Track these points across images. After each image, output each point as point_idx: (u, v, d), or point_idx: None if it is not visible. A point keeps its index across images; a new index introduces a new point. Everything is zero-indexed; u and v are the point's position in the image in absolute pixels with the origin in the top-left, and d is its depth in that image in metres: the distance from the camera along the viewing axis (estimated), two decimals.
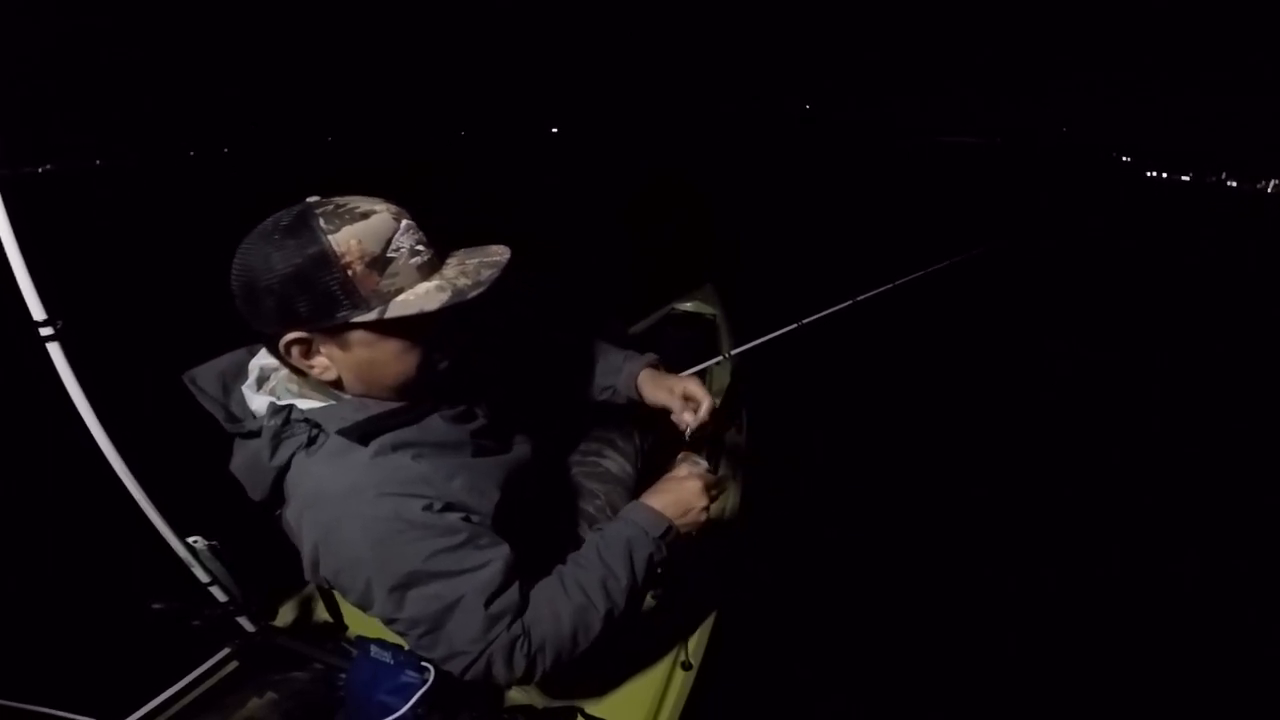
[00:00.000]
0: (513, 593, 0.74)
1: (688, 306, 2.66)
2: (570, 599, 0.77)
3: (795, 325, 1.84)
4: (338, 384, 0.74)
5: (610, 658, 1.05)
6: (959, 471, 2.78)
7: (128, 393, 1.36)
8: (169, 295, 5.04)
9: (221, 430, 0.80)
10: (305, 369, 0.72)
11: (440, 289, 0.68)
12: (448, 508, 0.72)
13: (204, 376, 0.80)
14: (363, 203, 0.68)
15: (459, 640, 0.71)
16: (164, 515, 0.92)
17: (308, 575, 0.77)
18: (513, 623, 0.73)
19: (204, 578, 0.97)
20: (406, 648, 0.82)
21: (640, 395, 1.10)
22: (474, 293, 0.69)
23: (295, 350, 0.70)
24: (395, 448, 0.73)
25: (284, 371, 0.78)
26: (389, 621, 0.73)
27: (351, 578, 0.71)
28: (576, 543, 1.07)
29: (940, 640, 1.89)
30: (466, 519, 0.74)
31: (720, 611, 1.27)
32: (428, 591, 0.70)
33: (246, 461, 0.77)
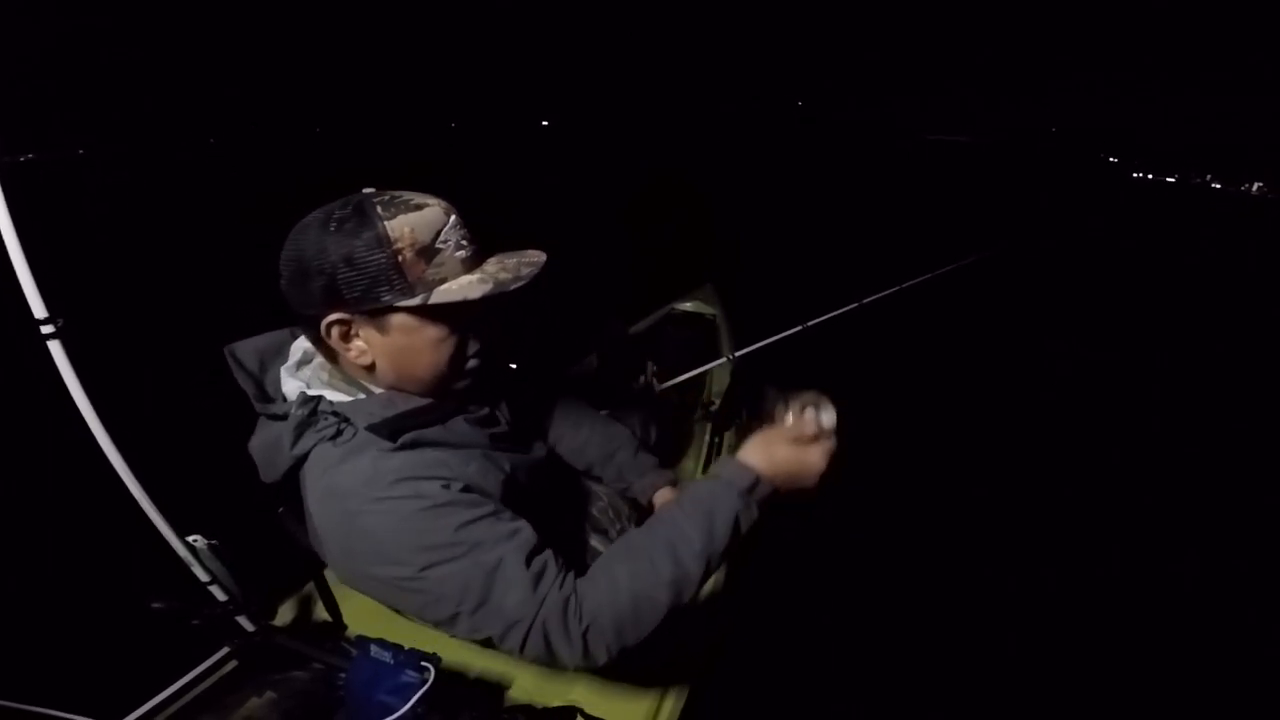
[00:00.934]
0: (549, 557, 0.71)
1: (688, 306, 2.66)
2: (630, 562, 0.71)
3: (800, 328, 1.84)
4: (371, 369, 0.75)
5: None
6: (960, 472, 2.78)
7: (128, 392, 1.36)
8: (170, 295, 5.04)
9: (223, 430, 0.80)
10: (343, 351, 0.73)
11: (482, 281, 0.70)
12: (466, 488, 0.72)
13: (243, 350, 0.81)
14: (416, 196, 0.71)
15: (510, 606, 0.67)
16: (164, 515, 0.92)
17: (340, 576, 0.77)
18: (561, 580, 0.69)
19: (204, 577, 0.97)
20: (406, 647, 0.81)
21: (649, 500, 1.14)
22: (514, 285, 0.71)
23: (336, 331, 0.71)
24: (415, 444, 0.74)
25: (319, 359, 0.79)
26: (435, 616, 0.70)
27: (384, 569, 0.69)
28: (580, 546, 1.07)
29: (940, 640, 1.89)
30: (485, 497, 0.73)
31: (720, 611, 1.27)
32: (464, 564, 0.67)
33: (267, 442, 0.77)
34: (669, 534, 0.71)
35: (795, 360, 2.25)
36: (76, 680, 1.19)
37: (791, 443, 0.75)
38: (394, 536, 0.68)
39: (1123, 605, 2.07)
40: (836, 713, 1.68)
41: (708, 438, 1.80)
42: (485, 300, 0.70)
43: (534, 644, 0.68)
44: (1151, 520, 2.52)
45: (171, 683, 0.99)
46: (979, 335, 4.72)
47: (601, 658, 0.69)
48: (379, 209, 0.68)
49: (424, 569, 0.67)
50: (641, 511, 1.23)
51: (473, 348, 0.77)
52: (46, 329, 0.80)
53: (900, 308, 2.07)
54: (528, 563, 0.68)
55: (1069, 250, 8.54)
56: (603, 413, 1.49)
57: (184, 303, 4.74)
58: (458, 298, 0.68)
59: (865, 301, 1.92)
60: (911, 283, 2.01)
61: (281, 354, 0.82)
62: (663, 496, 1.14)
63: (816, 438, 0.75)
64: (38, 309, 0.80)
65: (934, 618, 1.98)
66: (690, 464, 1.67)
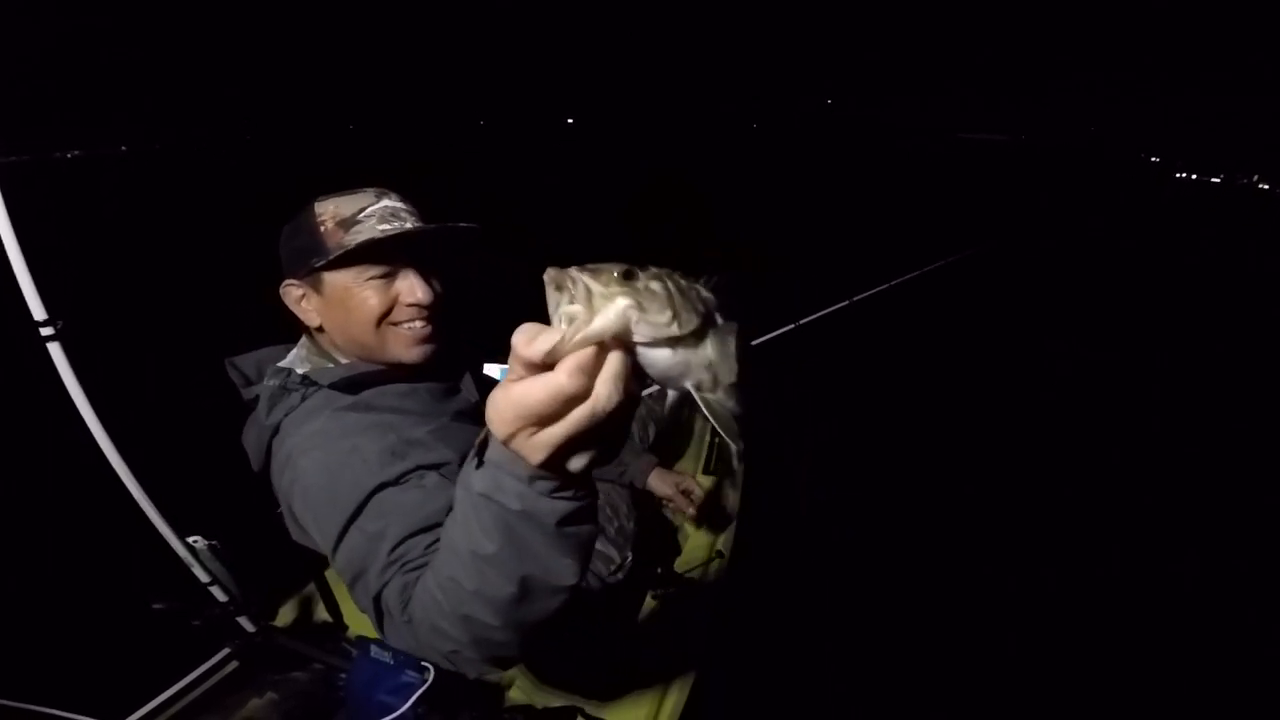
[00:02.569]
0: (428, 537, 0.64)
1: None
2: (434, 570, 0.58)
3: (792, 325, 1.85)
4: (321, 330, 0.83)
5: (610, 658, 1.05)
6: (958, 470, 2.78)
7: (128, 393, 1.36)
8: (170, 296, 5.04)
9: (223, 431, 0.81)
10: (300, 314, 0.83)
11: (384, 231, 0.77)
12: (406, 444, 0.73)
13: (242, 360, 0.88)
14: (360, 189, 0.81)
15: (371, 580, 0.65)
16: (164, 515, 0.92)
17: (293, 530, 0.80)
18: (416, 563, 0.63)
19: (204, 578, 0.97)
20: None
21: (645, 483, 1.26)
22: (408, 227, 0.78)
23: (290, 294, 0.82)
24: (371, 406, 0.78)
25: (302, 342, 0.87)
26: (345, 582, 0.70)
27: (303, 504, 0.73)
28: None
29: (940, 639, 1.89)
30: (421, 464, 0.71)
31: (720, 611, 1.27)
32: (360, 525, 0.67)
33: (251, 429, 0.83)
34: (451, 540, 0.54)
35: (793, 358, 2.26)
36: (78, 680, 1.19)
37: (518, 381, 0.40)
38: (323, 482, 0.71)
39: (1123, 605, 2.07)
40: (836, 712, 1.68)
41: (708, 437, 1.80)
42: (381, 247, 0.75)
43: (387, 628, 0.64)
44: (1151, 520, 2.52)
45: (173, 683, 1.00)
46: (977, 333, 4.71)
47: (444, 656, 0.61)
48: (318, 197, 0.80)
49: (324, 519, 0.70)
50: (640, 507, 1.23)
51: (405, 299, 0.79)
52: (46, 330, 0.81)
53: (897, 305, 2.07)
54: (401, 540, 0.64)
55: (1067, 248, 8.55)
56: None
57: (183, 304, 4.74)
58: (350, 244, 0.75)
59: (856, 299, 1.93)
60: (901, 280, 2.02)
61: (279, 360, 0.88)
62: (657, 477, 1.22)
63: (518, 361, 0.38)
64: (37, 311, 0.80)
65: (933, 617, 1.98)
66: (690, 464, 1.67)
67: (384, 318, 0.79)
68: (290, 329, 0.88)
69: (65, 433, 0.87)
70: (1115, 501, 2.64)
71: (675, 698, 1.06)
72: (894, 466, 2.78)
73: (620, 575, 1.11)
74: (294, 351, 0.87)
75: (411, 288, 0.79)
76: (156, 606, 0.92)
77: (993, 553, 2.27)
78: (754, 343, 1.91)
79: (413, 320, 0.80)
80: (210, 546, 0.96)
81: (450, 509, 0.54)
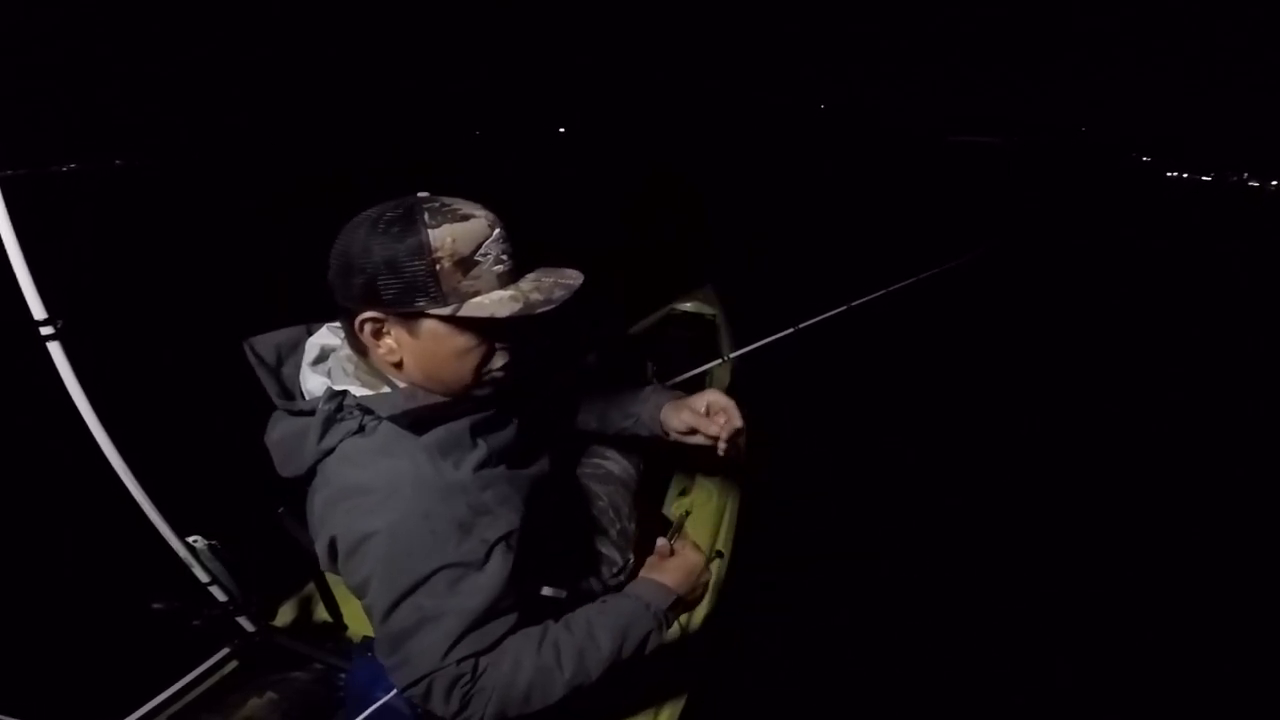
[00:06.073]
0: (489, 630, 0.73)
1: (688, 306, 2.66)
2: (540, 655, 0.75)
3: (792, 330, 1.86)
4: (399, 366, 0.76)
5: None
6: (959, 473, 2.78)
7: (128, 393, 1.35)
8: (170, 295, 5.04)
9: (223, 430, 0.81)
10: (373, 347, 0.75)
11: (514, 299, 0.72)
12: (476, 515, 0.74)
13: (261, 345, 0.82)
14: (465, 206, 0.72)
15: (415, 654, 0.70)
16: (164, 515, 0.92)
17: (322, 561, 0.78)
18: (468, 658, 0.71)
19: (204, 578, 0.97)
20: None
21: (663, 426, 1.05)
22: (543, 308, 0.73)
23: (368, 328, 0.73)
24: (443, 451, 0.76)
25: (343, 353, 0.80)
26: (369, 612, 0.74)
27: (361, 559, 0.72)
28: (583, 549, 1.07)
29: (940, 642, 1.89)
30: (487, 540, 0.74)
31: (719, 613, 1.27)
32: (416, 601, 0.70)
33: (289, 436, 0.78)
34: (582, 642, 0.77)
35: (794, 360, 2.26)
36: (77, 680, 1.19)
37: (674, 557, 0.88)
38: (384, 543, 0.70)
39: (1122, 606, 2.07)
40: (836, 713, 1.68)
41: None
42: (513, 318, 0.71)
43: (414, 693, 0.72)
44: (1151, 521, 2.52)
45: (172, 683, 1.00)
46: (978, 335, 4.71)
47: None
48: (426, 216, 0.69)
49: (385, 585, 0.70)
50: (641, 507, 1.22)
51: (498, 360, 0.78)
52: (46, 330, 0.81)
53: (899, 307, 2.07)
54: (460, 635, 0.70)
55: (1068, 249, 8.55)
56: None
57: (183, 304, 4.74)
58: (486, 314, 0.70)
59: (856, 303, 1.93)
60: (902, 284, 2.02)
61: (298, 349, 0.83)
62: (669, 412, 1.03)
63: (692, 549, 0.89)
64: (37, 310, 0.80)
65: (933, 619, 1.98)
66: None
67: (479, 368, 0.77)
68: (292, 320, 0.86)
69: (65, 433, 0.87)
70: (1115, 502, 2.65)
71: (674, 700, 1.06)
72: (895, 469, 2.78)
73: (622, 578, 1.11)
74: (329, 364, 0.80)
75: (514, 350, 0.78)
76: (156, 606, 0.92)
77: (993, 554, 2.27)
78: (755, 345, 1.90)
79: (502, 369, 0.79)
80: (210, 546, 0.96)
81: (505, 587, 0.73)
